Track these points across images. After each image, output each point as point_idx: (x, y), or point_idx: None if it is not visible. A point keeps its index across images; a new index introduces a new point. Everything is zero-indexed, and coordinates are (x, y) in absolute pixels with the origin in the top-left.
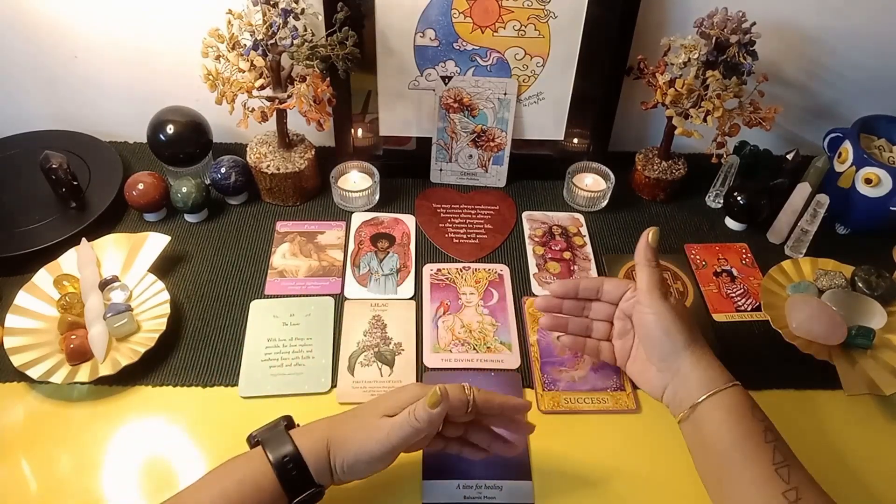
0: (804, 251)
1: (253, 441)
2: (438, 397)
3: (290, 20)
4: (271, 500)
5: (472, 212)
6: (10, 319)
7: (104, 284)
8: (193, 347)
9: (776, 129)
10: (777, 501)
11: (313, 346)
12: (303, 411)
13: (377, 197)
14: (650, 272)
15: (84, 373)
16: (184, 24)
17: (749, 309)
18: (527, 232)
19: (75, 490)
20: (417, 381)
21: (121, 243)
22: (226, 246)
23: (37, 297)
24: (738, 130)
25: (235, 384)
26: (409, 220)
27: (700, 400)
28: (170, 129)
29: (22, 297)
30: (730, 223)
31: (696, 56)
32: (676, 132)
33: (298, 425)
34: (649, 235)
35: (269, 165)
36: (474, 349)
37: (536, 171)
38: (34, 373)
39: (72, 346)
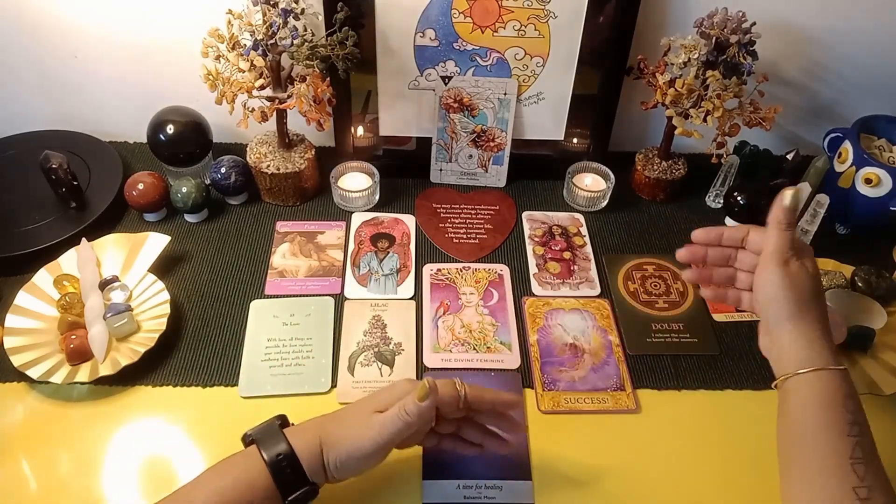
0: None
1: (248, 440)
2: (427, 390)
3: (290, 20)
4: (265, 498)
5: (472, 212)
6: (10, 319)
7: (104, 284)
8: (193, 347)
9: (776, 129)
10: (846, 494)
11: (313, 346)
12: (303, 411)
13: (377, 197)
14: (777, 235)
15: (84, 373)
16: (184, 24)
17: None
18: (527, 232)
19: (75, 490)
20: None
21: (121, 243)
22: (226, 246)
23: (37, 297)
24: (738, 130)
25: (235, 384)
26: (409, 220)
27: (790, 375)
28: (170, 129)
29: (22, 297)
30: (730, 223)
31: (696, 56)
32: (676, 132)
33: (292, 424)
34: (787, 196)
35: (269, 165)
36: (474, 349)
37: (536, 171)
38: (34, 373)
39: (72, 346)
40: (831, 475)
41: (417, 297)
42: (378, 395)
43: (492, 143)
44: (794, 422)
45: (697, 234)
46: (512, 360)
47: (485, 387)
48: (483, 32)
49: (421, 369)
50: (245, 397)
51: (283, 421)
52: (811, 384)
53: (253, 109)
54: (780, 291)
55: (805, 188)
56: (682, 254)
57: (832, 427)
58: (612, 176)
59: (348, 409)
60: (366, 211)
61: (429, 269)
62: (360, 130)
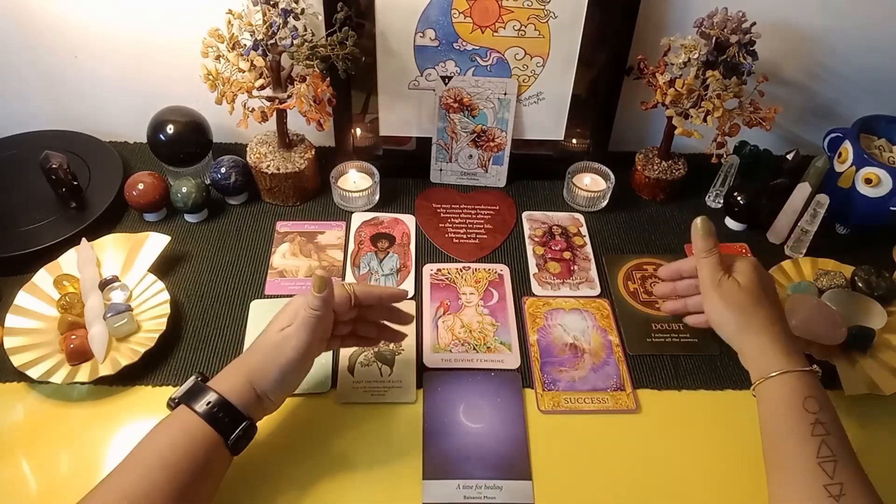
0: (804, 251)
1: (174, 404)
2: (322, 280)
3: (290, 20)
4: (205, 446)
5: (472, 212)
6: (10, 319)
7: (104, 284)
8: (193, 347)
9: (776, 129)
10: (817, 493)
11: None
12: (303, 411)
13: (377, 197)
14: (701, 265)
15: (84, 373)
16: (184, 24)
17: None
18: (527, 232)
19: (75, 490)
20: (418, 381)
21: (121, 243)
22: (226, 246)
23: (37, 297)
24: (738, 130)
25: None
26: (409, 220)
27: (755, 385)
28: (170, 129)
29: (22, 297)
30: (730, 223)
31: (696, 56)
32: (676, 132)
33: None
34: (696, 227)
35: (269, 165)
36: (474, 349)
37: (536, 171)
38: (34, 373)
39: (72, 346)
40: (801, 476)
41: (417, 297)
42: (279, 316)
43: (492, 143)
44: (764, 428)
45: (661, 273)
46: (512, 360)
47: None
48: (483, 32)
49: (421, 369)
50: None
51: (203, 376)
52: (770, 392)
53: (253, 109)
54: (721, 315)
55: (805, 188)
56: (659, 291)
57: (796, 429)
58: (612, 176)
59: (259, 340)
60: (366, 211)
61: (429, 269)
62: (360, 130)
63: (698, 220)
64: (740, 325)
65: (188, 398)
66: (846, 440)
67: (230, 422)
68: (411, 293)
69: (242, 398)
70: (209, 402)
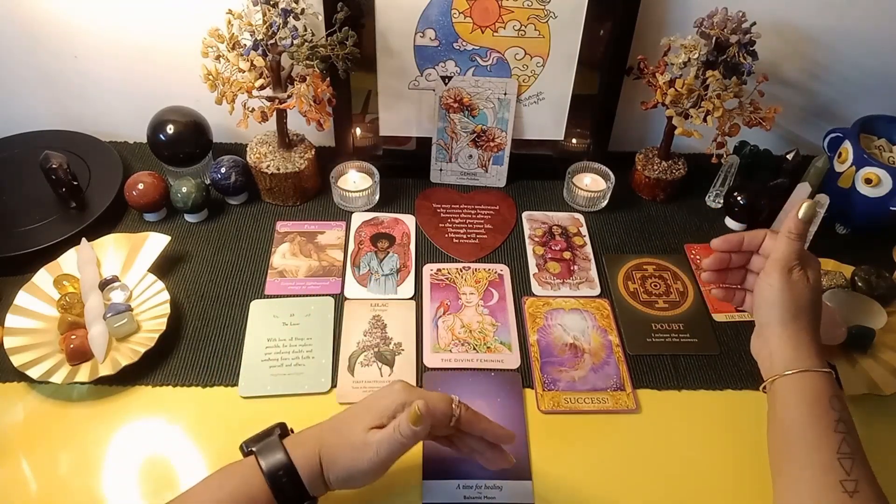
0: None
1: (246, 450)
2: (419, 415)
3: (290, 20)
4: None
5: (472, 212)
6: (10, 319)
7: (104, 284)
8: (193, 347)
9: (776, 129)
10: (833, 487)
11: (313, 346)
12: (303, 411)
13: (377, 197)
14: (785, 244)
15: (84, 373)
16: (184, 24)
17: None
18: (527, 232)
19: (75, 490)
20: (417, 381)
21: (121, 243)
22: (226, 246)
23: (37, 297)
24: (738, 130)
25: (235, 384)
26: (409, 220)
27: (778, 376)
28: (170, 129)
29: (22, 297)
30: (730, 223)
31: (696, 56)
32: (676, 132)
33: (292, 431)
34: (803, 208)
35: (269, 165)
36: (474, 349)
37: (536, 171)
38: (34, 373)
39: (72, 346)
40: (818, 469)
41: (417, 297)
42: (374, 406)
43: (492, 143)
44: (782, 421)
45: (718, 244)
46: (512, 360)
47: (483, 415)
48: (483, 32)
49: (421, 369)
50: (245, 397)
51: (282, 430)
52: (798, 384)
53: (253, 109)
54: (777, 297)
55: (805, 188)
56: (708, 263)
57: (819, 423)
58: (612, 176)
59: (347, 418)
60: (366, 211)
61: (429, 269)
62: (360, 130)
63: (808, 202)
64: (791, 315)
65: (261, 452)
66: (860, 441)
67: (293, 492)
68: (411, 293)
69: (310, 472)
70: (279, 468)
